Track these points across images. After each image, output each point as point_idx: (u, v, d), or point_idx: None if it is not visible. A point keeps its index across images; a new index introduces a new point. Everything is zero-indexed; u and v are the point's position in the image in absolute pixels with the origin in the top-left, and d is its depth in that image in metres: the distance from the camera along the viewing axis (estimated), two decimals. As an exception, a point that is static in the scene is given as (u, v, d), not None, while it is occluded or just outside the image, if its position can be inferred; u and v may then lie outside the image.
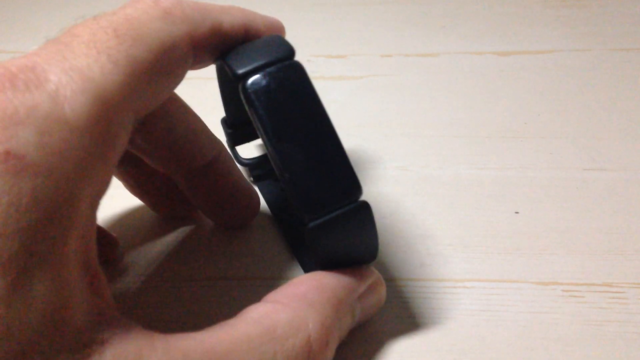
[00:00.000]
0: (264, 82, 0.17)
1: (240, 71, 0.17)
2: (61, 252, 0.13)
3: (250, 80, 0.17)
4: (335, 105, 0.34)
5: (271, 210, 0.26)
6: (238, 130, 0.27)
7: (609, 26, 0.41)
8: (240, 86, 0.17)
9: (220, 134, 0.28)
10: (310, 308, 0.17)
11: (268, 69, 0.17)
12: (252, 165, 0.28)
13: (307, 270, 0.23)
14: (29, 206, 0.12)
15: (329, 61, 0.38)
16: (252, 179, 0.28)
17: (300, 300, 0.17)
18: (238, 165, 0.25)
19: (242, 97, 0.17)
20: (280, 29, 0.21)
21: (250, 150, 0.30)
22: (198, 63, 0.18)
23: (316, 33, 0.41)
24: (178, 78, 0.17)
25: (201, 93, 0.28)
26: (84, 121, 0.13)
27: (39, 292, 0.12)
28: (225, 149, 0.23)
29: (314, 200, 0.17)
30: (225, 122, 0.27)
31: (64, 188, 0.13)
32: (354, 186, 0.17)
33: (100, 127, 0.14)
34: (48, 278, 0.12)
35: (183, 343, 0.14)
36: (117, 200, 0.27)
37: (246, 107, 0.17)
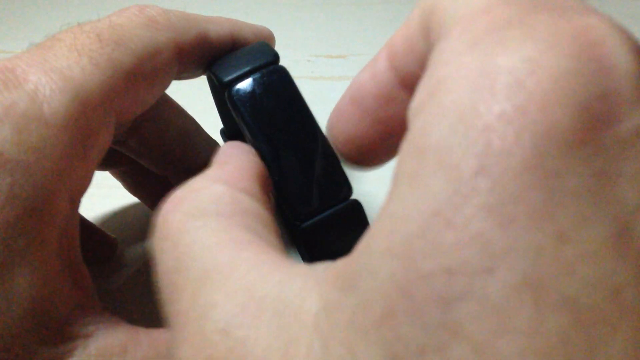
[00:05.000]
0: (248, 89, 0.17)
1: (226, 79, 0.18)
2: (41, 248, 0.13)
3: (235, 88, 0.17)
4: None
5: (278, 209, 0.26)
6: (236, 140, 0.27)
7: (609, 26, 0.41)
8: (226, 94, 0.17)
9: (217, 133, 0.28)
10: None
11: (253, 75, 0.17)
12: None
13: None
14: (7, 202, 0.12)
15: (329, 61, 0.38)
16: None
17: None
18: None
19: (228, 104, 0.17)
20: (269, 37, 0.21)
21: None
22: (184, 72, 0.19)
23: (316, 33, 0.41)
24: (163, 84, 0.18)
25: (201, 93, 0.28)
26: (62, 119, 0.14)
27: (20, 286, 0.12)
28: None
29: (303, 202, 0.17)
30: (223, 133, 0.27)
31: (42, 184, 0.13)
32: (344, 185, 0.17)
33: (79, 125, 0.14)
34: (28, 273, 0.12)
35: (168, 336, 0.14)
36: (117, 200, 0.27)
37: (233, 114, 0.17)
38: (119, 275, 0.23)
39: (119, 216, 0.26)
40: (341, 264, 0.10)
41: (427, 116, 0.09)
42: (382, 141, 0.15)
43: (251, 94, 0.17)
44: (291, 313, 0.10)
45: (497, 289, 0.07)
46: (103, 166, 0.23)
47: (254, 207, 0.13)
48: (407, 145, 0.10)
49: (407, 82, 0.13)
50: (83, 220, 0.22)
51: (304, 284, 0.10)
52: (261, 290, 0.10)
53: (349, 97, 0.15)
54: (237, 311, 0.10)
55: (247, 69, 0.18)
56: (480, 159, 0.08)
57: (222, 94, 0.18)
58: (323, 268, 0.10)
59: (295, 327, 0.09)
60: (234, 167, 0.15)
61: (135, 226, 0.26)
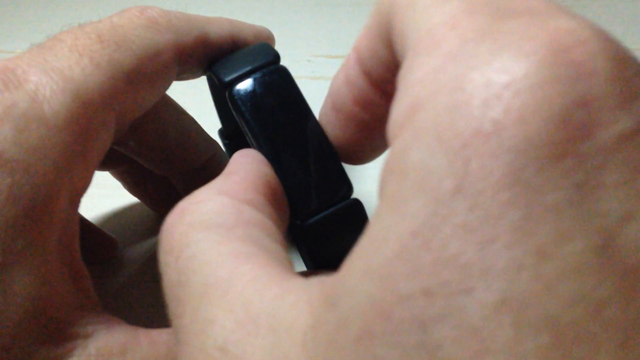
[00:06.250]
0: (249, 88, 0.17)
1: (227, 79, 0.18)
2: (40, 248, 0.13)
3: (236, 87, 0.17)
4: (335, 105, 0.34)
5: None
6: (235, 141, 0.27)
7: (609, 26, 0.40)
8: (227, 94, 0.17)
9: (217, 133, 0.28)
10: None
11: (253, 75, 0.17)
12: None
13: (309, 269, 0.23)
14: (7, 202, 0.12)
15: (329, 61, 0.38)
16: None
17: None
18: None
19: (229, 104, 0.17)
20: (269, 37, 0.21)
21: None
22: (185, 72, 0.19)
23: (316, 33, 0.41)
24: (163, 85, 0.18)
25: (202, 93, 0.28)
26: (63, 119, 0.14)
27: (19, 287, 0.12)
28: (221, 150, 0.23)
29: (304, 201, 0.17)
30: (222, 134, 0.27)
31: (42, 184, 0.13)
32: (344, 184, 0.17)
33: (79, 125, 0.14)
34: (28, 273, 0.12)
35: (167, 337, 0.14)
36: (117, 199, 0.27)
37: (234, 114, 0.17)
38: (119, 275, 0.23)
39: (119, 216, 0.26)
40: (330, 280, 0.10)
41: (405, 138, 0.09)
42: (368, 141, 0.15)
43: (252, 94, 0.17)
44: (284, 330, 0.10)
45: (475, 309, 0.07)
46: (103, 166, 0.23)
47: (257, 218, 0.13)
48: (388, 167, 0.09)
49: (379, 85, 0.13)
50: (83, 220, 0.22)
51: (297, 300, 0.10)
52: (258, 305, 0.10)
53: (330, 104, 0.15)
54: (235, 327, 0.10)
55: (247, 68, 0.18)
56: (458, 179, 0.08)
57: (222, 94, 0.18)
58: (316, 282, 0.10)
59: (287, 344, 0.09)
60: (240, 177, 0.15)
61: (135, 226, 0.26)
